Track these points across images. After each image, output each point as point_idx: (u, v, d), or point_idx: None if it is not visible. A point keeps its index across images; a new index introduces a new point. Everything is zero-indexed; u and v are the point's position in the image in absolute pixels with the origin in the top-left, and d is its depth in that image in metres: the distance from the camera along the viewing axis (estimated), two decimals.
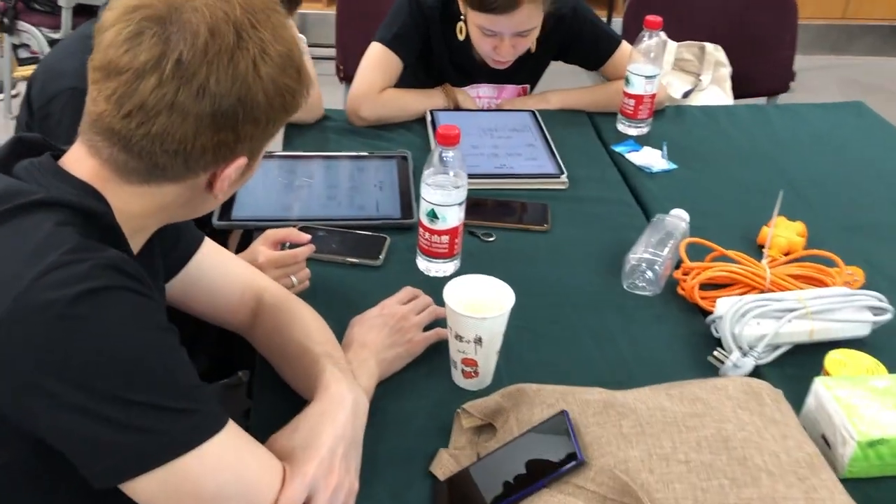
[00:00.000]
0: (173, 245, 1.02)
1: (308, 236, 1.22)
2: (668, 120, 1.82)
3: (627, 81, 1.69)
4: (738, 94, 2.42)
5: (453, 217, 1.23)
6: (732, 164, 1.65)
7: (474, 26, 1.62)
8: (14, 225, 0.75)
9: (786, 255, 1.34)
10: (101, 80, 0.78)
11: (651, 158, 1.63)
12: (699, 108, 1.90)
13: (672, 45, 2.35)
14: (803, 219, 1.41)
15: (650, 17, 1.63)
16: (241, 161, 0.84)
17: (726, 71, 2.41)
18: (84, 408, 0.70)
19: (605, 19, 4.06)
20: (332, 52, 2.39)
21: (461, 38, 1.67)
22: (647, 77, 1.66)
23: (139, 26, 0.76)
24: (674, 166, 1.62)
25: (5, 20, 3.04)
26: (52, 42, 3.04)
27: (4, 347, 0.70)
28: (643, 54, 1.66)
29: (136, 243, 0.88)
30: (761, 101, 2.50)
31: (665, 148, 1.65)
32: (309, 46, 3.97)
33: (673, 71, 2.39)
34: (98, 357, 0.70)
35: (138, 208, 0.84)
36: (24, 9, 3.05)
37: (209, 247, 1.07)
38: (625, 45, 1.78)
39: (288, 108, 0.85)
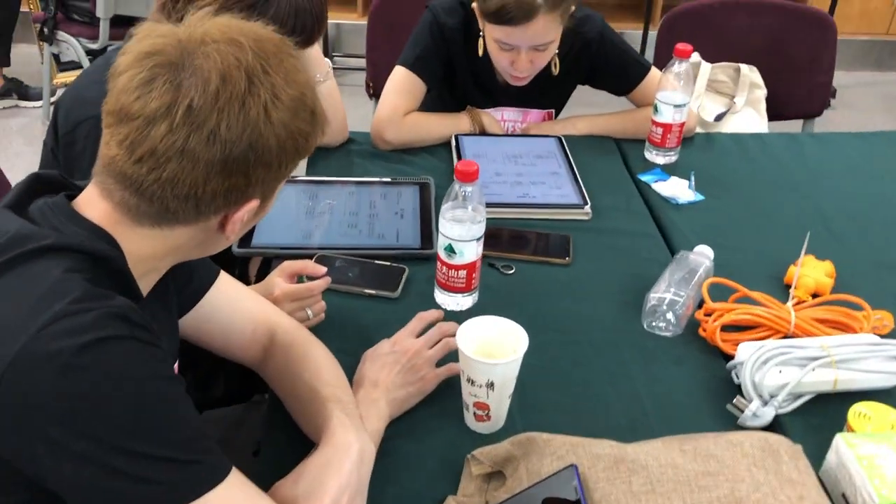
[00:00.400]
0: (187, 281, 1.02)
1: (324, 269, 1.21)
2: (697, 148, 1.79)
3: (656, 109, 1.66)
4: (773, 115, 2.38)
5: (471, 252, 1.22)
6: (762, 196, 1.61)
7: (492, 40, 1.60)
8: (23, 271, 0.75)
9: (814, 296, 1.31)
10: (113, 124, 0.78)
11: (678, 189, 1.60)
12: (730, 135, 1.86)
13: (706, 67, 2.31)
14: (834, 256, 1.38)
15: (680, 46, 1.60)
16: (254, 204, 0.84)
17: (761, 93, 2.37)
18: (88, 457, 0.70)
19: (640, 33, 4.02)
20: (363, 62, 2.39)
21: (481, 52, 1.66)
22: (675, 106, 1.63)
23: (151, 73, 0.76)
24: (701, 198, 1.59)
25: (45, 30, 3.09)
26: (89, 52, 3.09)
27: (10, 396, 0.70)
28: (672, 82, 1.63)
29: (147, 283, 0.88)
30: (797, 123, 2.46)
31: (693, 178, 1.62)
32: (342, 57, 3.99)
33: (706, 93, 2.35)
34: (103, 408, 0.71)
35: (150, 250, 0.84)
36: (63, 19, 3.11)
37: (224, 281, 1.07)
38: (654, 71, 1.76)
39: (300, 150, 0.85)
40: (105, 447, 0.70)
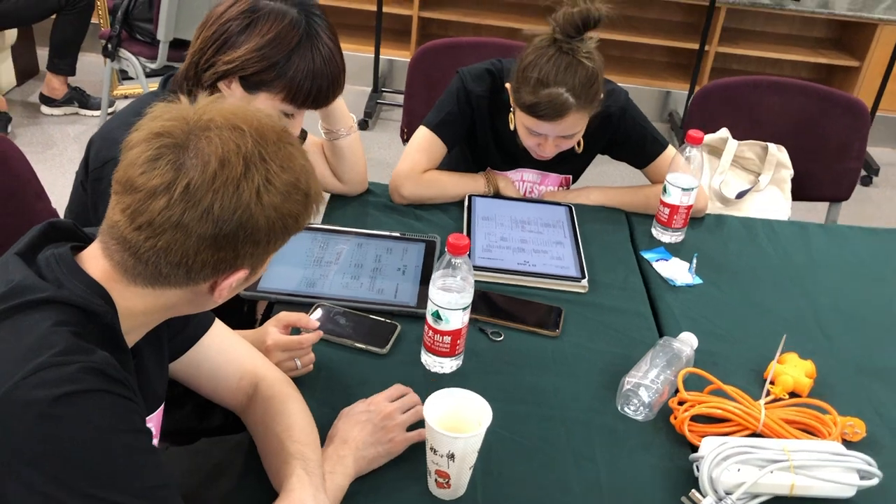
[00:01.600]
0: (182, 328, 1.10)
1: (317, 324, 1.28)
2: (706, 229, 1.82)
3: (665, 190, 1.70)
4: (799, 196, 2.39)
5: (457, 320, 1.28)
6: (760, 287, 1.64)
7: (521, 123, 1.67)
8: (16, 321, 0.83)
9: (791, 394, 1.34)
10: (120, 192, 0.86)
11: (677, 271, 1.63)
12: (741, 219, 1.88)
13: (732, 144, 2.34)
14: (820, 355, 1.40)
15: (692, 132, 1.65)
16: (242, 273, 0.91)
17: (787, 173, 2.39)
18: (53, 497, 0.78)
19: (686, 93, 4.05)
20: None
21: (511, 127, 1.72)
22: (683, 189, 1.68)
23: (158, 152, 0.84)
24: (699, 281, 1.62)
25: (109, 46, 3.25)
26: (146, 72, 3.24)
27: None
28: (683, 166, 1.67)
29: (139, 333, 0.96)
30: (822, 206, 2.47)
31: (694, 261, 1.66)
32: (391, 93, 4.07)
33: (732, 168, 2.38)
34: (71, 454, 0.78)
35: (142, 307, 0.92)
36: (127, 38, 3.26)
37: (217, 330, 1.15)
38: (670, 149, 1.80)
39: (290, 229, 0.92)
40: (68, 489, 0.77)
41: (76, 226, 0.98)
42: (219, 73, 1.35)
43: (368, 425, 1.13)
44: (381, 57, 4.00)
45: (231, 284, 0.92)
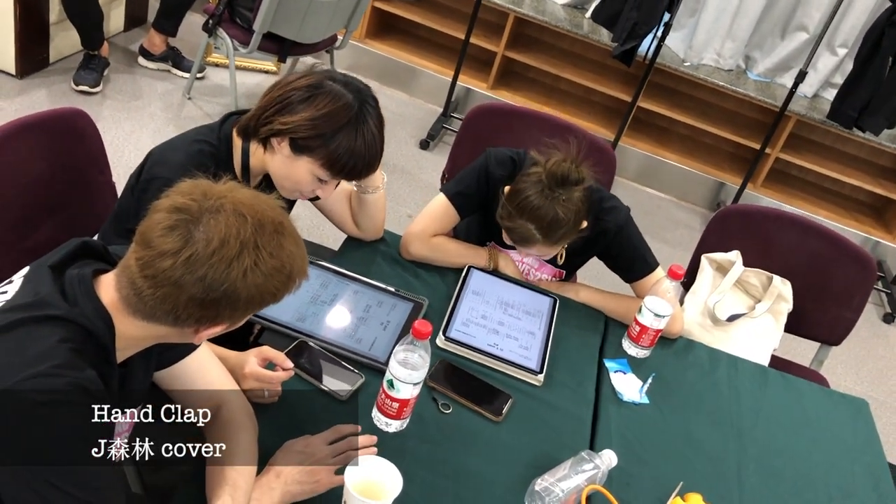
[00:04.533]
0: (171, 347, 1.30)
1: (291, 365, 1.48)
2: (673, 351, 1.96)
3: (640, 310, 1.86)
4: (791, 329, 2.50)
5: (407, 392, 1.46)
6: (701, 419, 1.78)
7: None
8: (31, 330, 1.05)
9: None
10: (138, 244, 1.07)
11: (629, 387, 1.79)
12: (710, 350, 2.02)
13: (738, 269, 2.45)
14: (727, 501, 1.54)
15: (674, 267, 1.80)
16: (221, 327, 1.12)
17: (786, 307, 2.49)
18: (21, 476, 0.99)
19: (738, 187, 4.13)
20: None
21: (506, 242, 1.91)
22: (656, 314, 1.83)
23: (174, 223, 1.05)
24: (646, 402, 1.77)
25: (210, 22, 3.50)
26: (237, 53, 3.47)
27: None
28: (661, 292, 1.82)
29: (133, 351, 1.18)
30: (813, 345, 2.57)
31: (649, 381, 1.81)
32: (459, 119, 4.23)
33: (733, 289, 2.50)
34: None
35: (137, 334, 1.13)
36: (227, 19, 3.51)
37: (199, 353, 1.36)
38: (657, 272, 1.95)
39: (266, 301, 1.12)
40: (33, 473, 0.99)
41: (105, 248, 1.20)
42: (274, 130, 1.56)
43: (300, 465, 1.32)
44: (458, 83, 4.18)
45: (211, 333, 1.12)
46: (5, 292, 1.13)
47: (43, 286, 1.10)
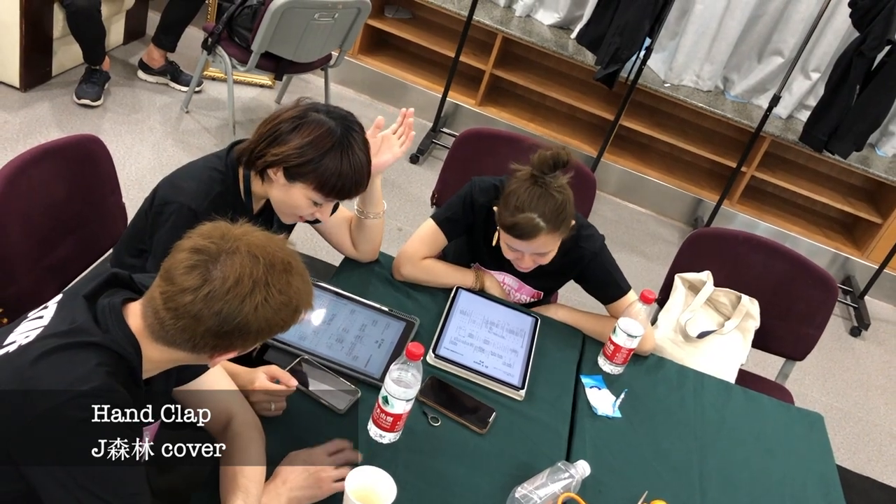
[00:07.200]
0: (189, 367, 1.44)
1: (296, 382, 1.62)
2: (645, 368, 2.12)
3: (614, 330, 2.01)
4: (758, 345, 2.67)
5: (400, 407, 1.61)
6: (668, 431, 1.94)
7: (503, 240, 1.99)
8: (72, 354, 1.19)
9: None
10: (163, 279, 1.21)
11: (603, 402, 1.94)
12: (679, 367, 2.18)
13: (709, 289, 2.62)
14: None
15: (645, 292, 1.96)
16: (233, 353, 1.27)
17: (753, 324, 2.66)
18: (59, 480, 1.14)
19: (715, 203, 4.30)
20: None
21: (493, 244, 2.05)
22: (629, 335, 1.98)
23: (194, 263, 1.19)
24: (618, 415, 1.93)
25: (209, 41, 3.64)
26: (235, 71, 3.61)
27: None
28: (633, 314, 1.98)
29: (156, 371, 1.32)
30: (778, 360, 2.74)
31: (622, 396, 1.97)
32: (448, 134, 4.39)
33: (703, 307, 2.66)
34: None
35: (159, 358, 1.27)
36: (226, 38, 3.64)
37: (214, 372, 1.50)
38: (630, 295, 2.10)
39: (275, 331, 1.27)
40: (63, 473, 1.13)
41: (131, 277, 1.34)
42: (268, 161, 1.70)
43: (304, 473, 1.47)
44: (447, 99, 4.33)
45: (224, 358, 1.27)
46: (41, 317, 1.27)
47: (79, 315, 1.24)
